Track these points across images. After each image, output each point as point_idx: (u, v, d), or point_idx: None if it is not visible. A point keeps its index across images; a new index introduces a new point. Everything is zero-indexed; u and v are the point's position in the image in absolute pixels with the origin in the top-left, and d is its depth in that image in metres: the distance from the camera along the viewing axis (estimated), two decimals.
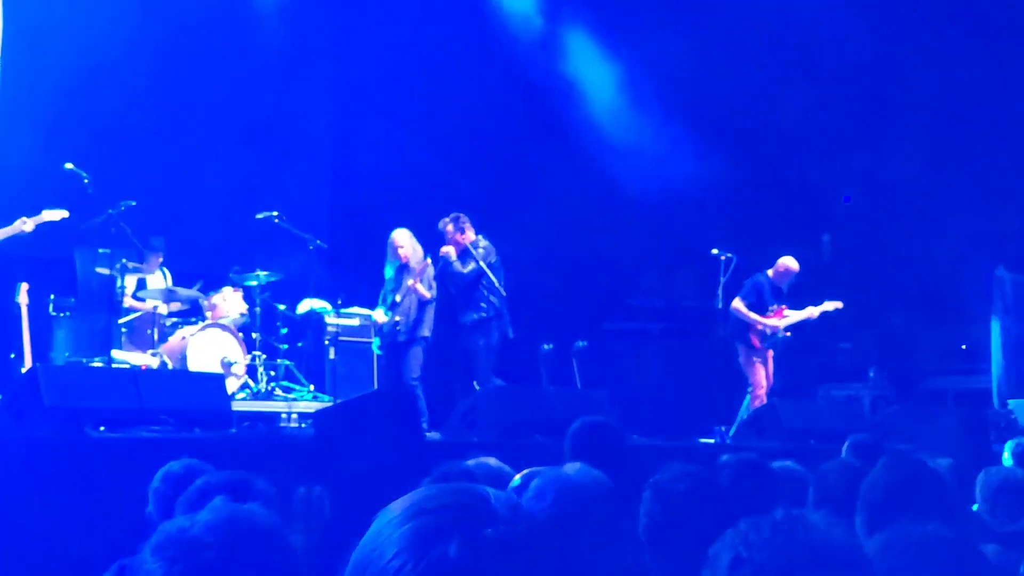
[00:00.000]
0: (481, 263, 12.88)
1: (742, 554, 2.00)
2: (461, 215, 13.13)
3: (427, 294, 12.82)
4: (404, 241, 13.08)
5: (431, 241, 13.18)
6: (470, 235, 13.06)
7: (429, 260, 12.91)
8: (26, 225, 10.96)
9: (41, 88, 13.96)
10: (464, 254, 12.97)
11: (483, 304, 12.86)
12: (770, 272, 14.22)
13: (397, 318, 12.93)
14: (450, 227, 13.06)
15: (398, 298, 12.95)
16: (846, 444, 7.50)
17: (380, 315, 13.13)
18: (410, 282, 12.87)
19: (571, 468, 3.69)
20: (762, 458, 5.72)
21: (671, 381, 15.32)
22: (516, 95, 16.14)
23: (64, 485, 7.91)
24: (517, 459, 6.08)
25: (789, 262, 14.13)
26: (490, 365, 12.91)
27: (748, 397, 14.03)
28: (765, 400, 13.75)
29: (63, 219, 11.40)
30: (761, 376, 14.07)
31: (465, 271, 12.86)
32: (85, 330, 12.88)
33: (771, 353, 14.19)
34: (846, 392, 16.59)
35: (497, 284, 12.91)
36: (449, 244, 13.00)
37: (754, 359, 14.09)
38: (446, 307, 13.19)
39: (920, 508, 3.87)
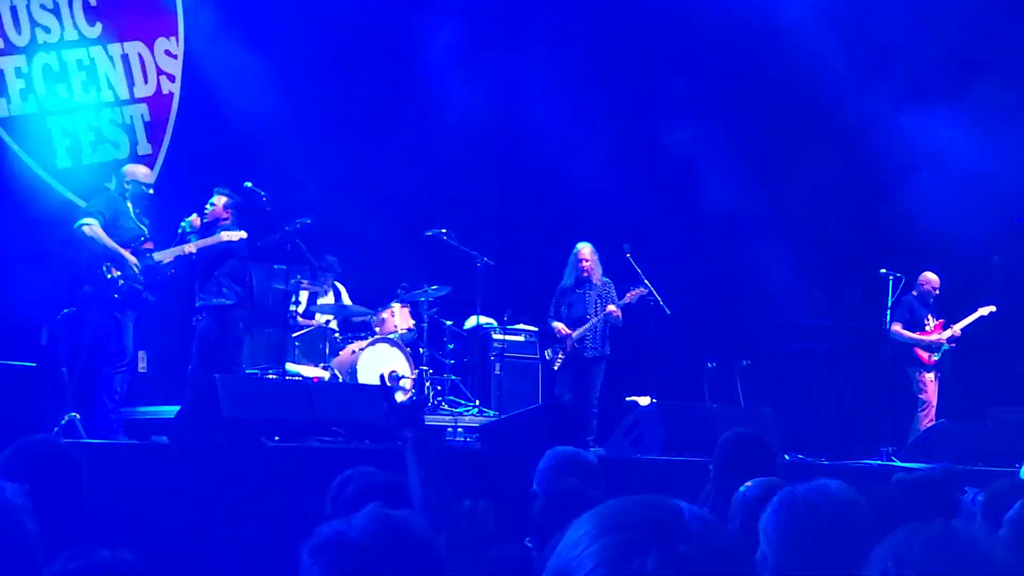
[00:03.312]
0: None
1: (890, 570, 1.95)
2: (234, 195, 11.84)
3: (619, 315, 12.94)
4: (589, 255, 13.18)
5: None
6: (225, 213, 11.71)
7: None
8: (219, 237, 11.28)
9: (219, 108, 14.38)
10: (208, 229, 11.59)
11: (224, 289, 11.56)
12: (914, 292, 14.44)
13: (587, 334, 13.04)
14: (225, 200, 11.78)
15: (589, 316, 13.06)
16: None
17: (563, 328, 13.19)
18: (611, 308, 12.93)
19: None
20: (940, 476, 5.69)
21: (837, 401, 15.15)
22: (681, 107, 16.10)
23: (241, 492, 8.18)
24: (679, 476, 6.17)
25: (930, 276, 14.47)
26: (238, 356, 11.87)
27: (917, 416, 13.96)
28: (934, 420, 13.68)
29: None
30: (932, 395, 14.04)
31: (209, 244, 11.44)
32: (261, 343, 13.22)
33: (936, 375, 14.17)
34: (1018, 414, 16.17)
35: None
36: (216, 213, 11.67)
37: (924, 376, 14.08)
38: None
39: None
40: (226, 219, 11.68)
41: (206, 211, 11.67)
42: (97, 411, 10.39)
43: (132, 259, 10.55)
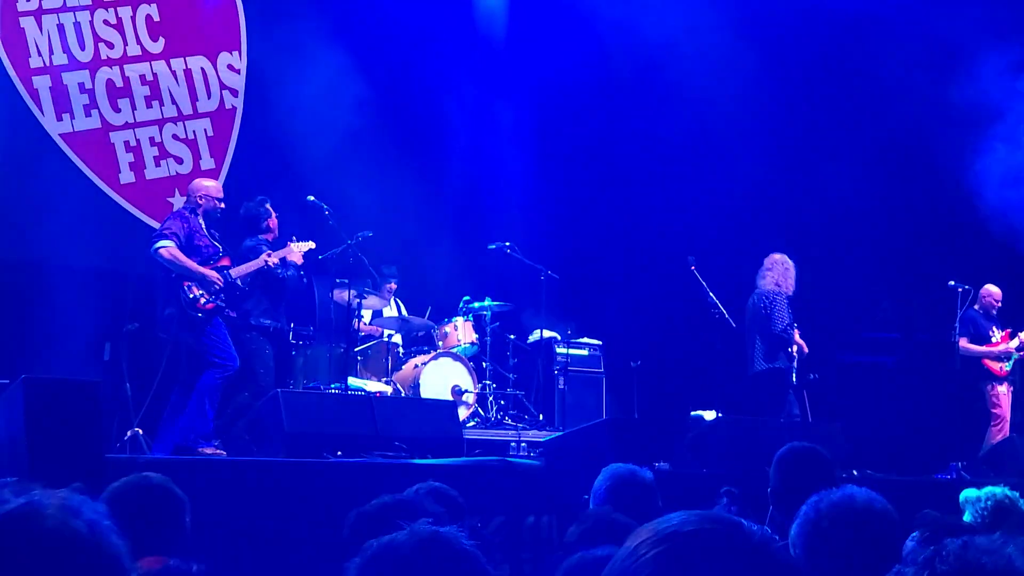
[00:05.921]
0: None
1: None
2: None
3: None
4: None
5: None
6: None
7: None
8: (272, 259, 11.17)
9: (282, 121, 14.40)
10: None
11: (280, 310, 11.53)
12: (976, 306, 14.39)
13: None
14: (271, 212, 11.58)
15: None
16: None
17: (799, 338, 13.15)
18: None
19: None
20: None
21: (906, 415, 14.95)
22: (744, 122, 15.95)
23: (303, 507, 8.14)
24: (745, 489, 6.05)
25: (992, 288, 14.48)
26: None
27: (990, 431, 13.79)
28: (1008, 433, 13.51)
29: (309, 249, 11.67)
30: (1006, 408, 13.89)
31: (288, 275, 11.42)
32: (323, 358, 13.19)
33: (1009, 387, 14.01)
34: None
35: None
36: (268, 230, 11.51)
37: (996, 389, 13.94)
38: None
39: None
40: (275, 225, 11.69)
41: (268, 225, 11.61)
42: (173, 425, 10.33)
43: (212, 275, 10.42)
